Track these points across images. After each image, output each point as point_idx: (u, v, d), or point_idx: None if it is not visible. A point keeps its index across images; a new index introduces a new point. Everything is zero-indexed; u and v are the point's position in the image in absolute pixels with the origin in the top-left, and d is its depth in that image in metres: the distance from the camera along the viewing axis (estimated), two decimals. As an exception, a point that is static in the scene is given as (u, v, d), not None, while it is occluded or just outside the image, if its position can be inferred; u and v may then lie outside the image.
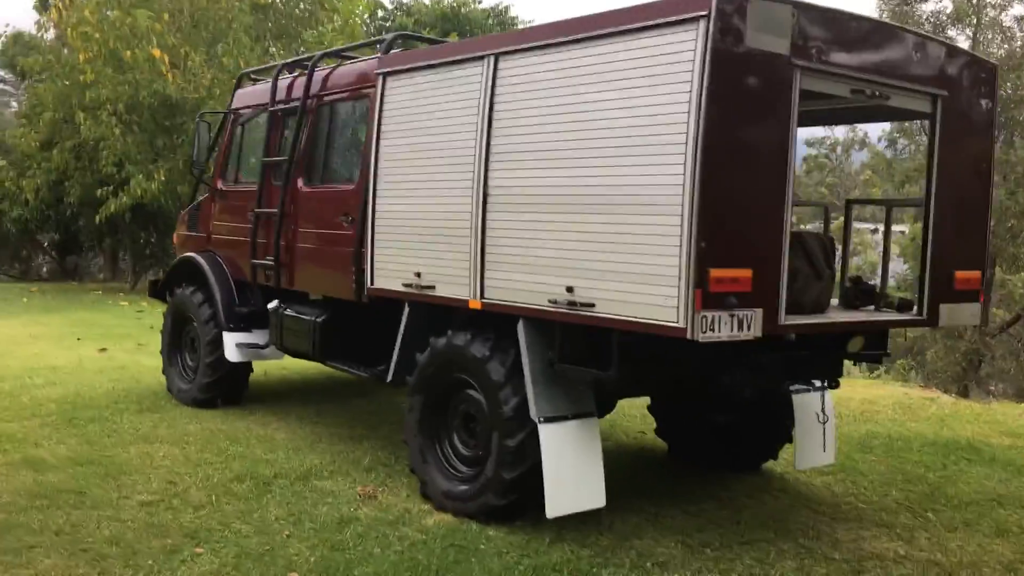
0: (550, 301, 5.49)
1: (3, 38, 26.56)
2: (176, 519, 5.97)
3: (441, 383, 6.30)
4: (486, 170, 5.92)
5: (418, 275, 6.46)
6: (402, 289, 6.61)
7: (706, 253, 4.77)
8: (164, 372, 9.62)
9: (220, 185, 9.31)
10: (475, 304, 6.03)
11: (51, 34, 23.95)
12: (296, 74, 8.42)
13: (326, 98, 7.82)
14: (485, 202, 5.94)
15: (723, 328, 4.87)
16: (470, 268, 6.04)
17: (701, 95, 4.71)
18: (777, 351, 5.89)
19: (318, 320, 7.63)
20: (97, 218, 20.16)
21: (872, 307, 6.30)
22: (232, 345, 8.63)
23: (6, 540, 5.55)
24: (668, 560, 5.52)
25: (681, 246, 4.79)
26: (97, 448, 7.59)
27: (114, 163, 19.53)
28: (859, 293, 6.33)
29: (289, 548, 5.53)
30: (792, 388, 6.84)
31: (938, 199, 5.99)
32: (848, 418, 9.58)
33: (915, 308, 6.10)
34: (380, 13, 29.28)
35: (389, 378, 6.84)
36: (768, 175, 5.04)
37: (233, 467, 7.09)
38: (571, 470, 5.68)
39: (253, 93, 9.09)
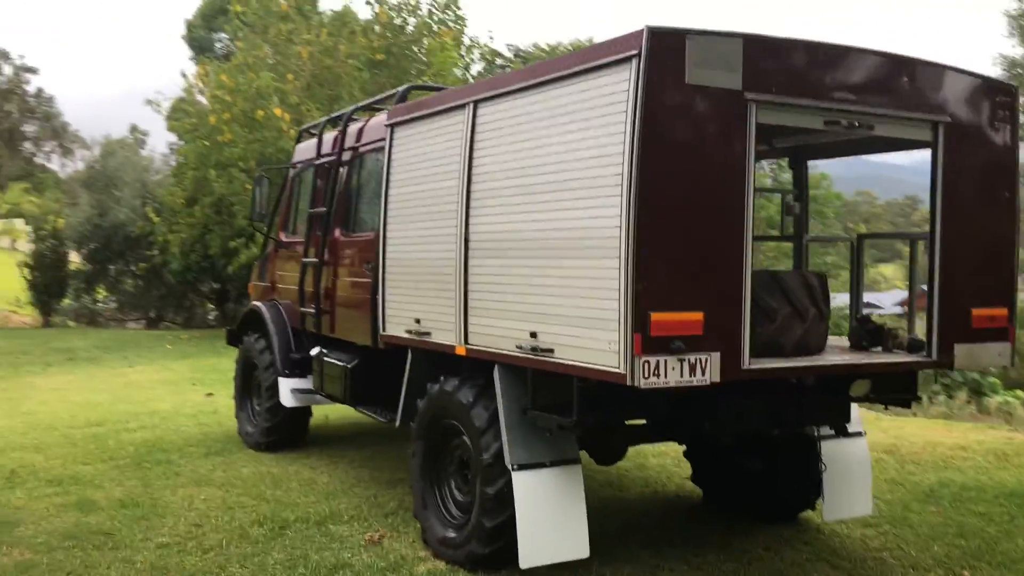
0: (517, 347, 5.45)
1: (166, 103, 28.46)
2: (181, 562, 6.19)
3: (437, 429, 6.32)
4: (467, 217, 5.95)
5: (418, 321, 6.53)
6: (405, 336, 6.70)
7: (645, 296, 4.63)
8: (236, 416, 10.02)
9: (282, 236, 9.69)
10: (461, 350, 6.04)
11: (202, 98, 25.59)
12: (339, 128, 8.70)
13: (357, 150, 8.05)
14: (467, 248, 5.96)
15: (670, 374, 4.70)
16: (455, 314, 6.06)
17: (634, 135, 4.60)
18: (776, 395, 5.62)
19: (348, 366, 7.80)
20: (230, 268, 21.26)
21: (879, 348, 5.91)
22: (287, 390, 8.91)
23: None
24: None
25: (620, 290, 4.67)
26: (149, 491, 7.97)
27: (245, 216, 20.58)
28: (865, 333, 5.96)
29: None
30: (820, 435, 6.49)
31: (946, 232, 5.59)
32: (927, 464, 8.97)
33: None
34: (498, 61, 29.81)
35: (397, 423, 6.91)
36: (721, 213, 4.85)
37: (260, 510, 7.30)
38: (549, 519, 5.56)
39: (307, 148, 9.44)
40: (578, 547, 5.62)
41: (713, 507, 7.37)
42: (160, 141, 65.96)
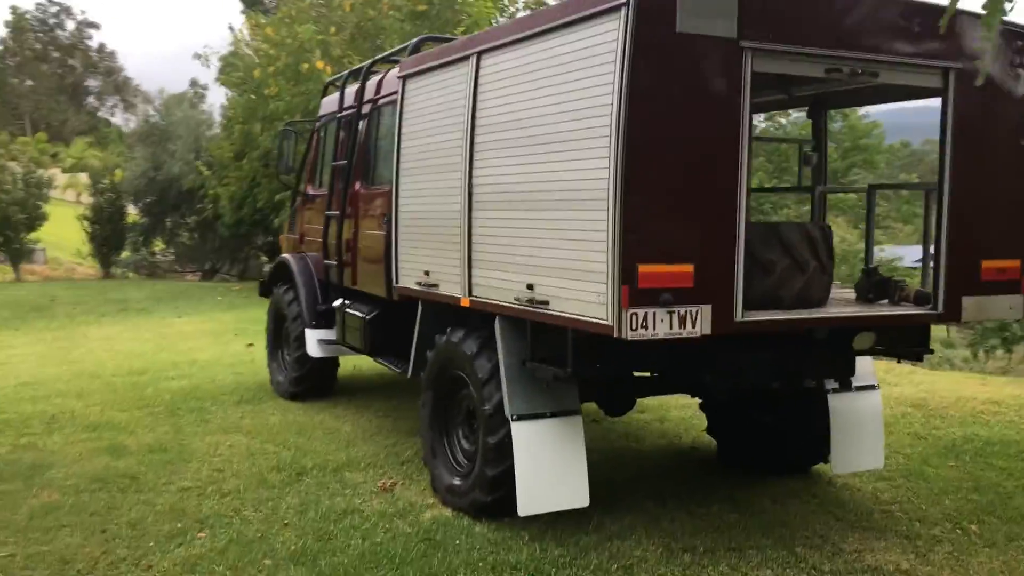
0: (515, 299, 5.50)
1: (215, 57, 28.68)
2: (199, 505, 6.40)
3: (445, 379, 6.41)
4: (471, 169, 5.98)
5: (427, 273, 6.61)
6: (415, 288, 6.78)
7: (633, 248, 4.63)
8: (268, 366, 10.23)
9: (309, 190, 9.80)
10: (465, 302, 6.10)
11: (250, 51, 25.75)
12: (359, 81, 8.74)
13: (376, 103, 8.09)
14: (471, 201, 6.00)
15: (659, 326, 4.71)
16: (461, 266, 6.12)
17: (622, 86, 4.58)
18: (777, 348, 5.60)
19: (367, 318, 7.92)
20: (276, 221, 21.54)
21: (886, 300, 5.84)
22: (313, 341, 9.08)
23: (46, 519, 6.15)
24: (636, 563, 5.38)
25: (608, 242, 4.68)
26: (178, 437, 8.22)
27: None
28: (872, 286, 5.88)
29: (279, 536, 5.81)
30: (830, 388, 6.46)
31: (956, 182, 5.48)
32: (954, 419, 8.85)
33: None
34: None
35: (409, 374, 7.02)
36: (713, 165, 4.82)
37: (281, 457, 7.49)
38: (548, 468, 5.63)
39: (330, 101, 9.50)
40: (577, 496, 5.68)
41: (726, 460, 7.37)
42: (220, 95, 66.50)
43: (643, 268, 4.65)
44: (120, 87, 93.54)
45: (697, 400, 7.37)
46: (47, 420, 8.95)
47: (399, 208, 7.01)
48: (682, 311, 4.75)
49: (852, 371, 5.94)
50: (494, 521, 5.94)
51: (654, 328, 4.70)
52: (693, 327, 4.79)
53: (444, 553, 5.49)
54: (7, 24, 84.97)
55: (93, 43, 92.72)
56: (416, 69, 6.83)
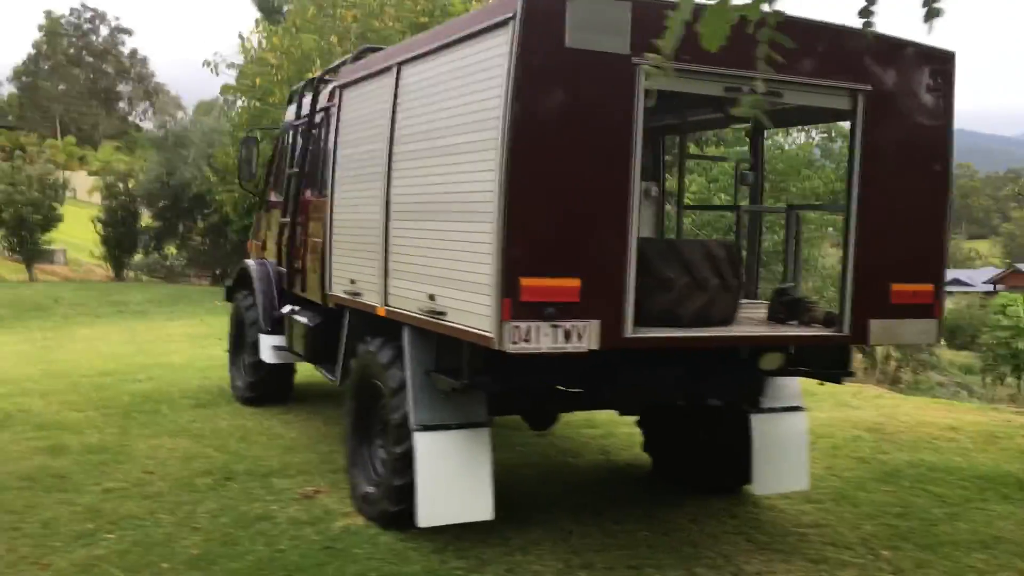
0: (419, 309, 5.51)
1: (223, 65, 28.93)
2: (118, 507, 6.44)
3: (365, 388, 6.43)
4: (389, 179, 6.01)
5: (352, 282, 6.64)
6: (343, 296, 6.81)
7: (516, 262, 4.63)
8: (229, 371, 10.30)
9: (271, 196, 9.88)
10: (381, 311, 6.12)
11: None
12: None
13: (327, 112, 8.14)
14: (388, 211, 6.03)
15: (543, 340, 4.70)
16: (379, 276, 6.14)
17: (508, 100, 4.59)
18: (680, 366, 5.59)
19: (309, 325, 7.96)
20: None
21: (795, 321, 5.80)
22: (268, 347, 9.12)
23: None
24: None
25: (492, 254, 4.69)
26: (123, 439, 8.29)
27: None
28: (781, 306, 5.85)
29: (185, 540, 5.84)
30: (751, 409, 6.42)
31: (863, 205, 5.44)
32: (905, 444, 8.75)
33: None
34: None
35: (338, 382, 7.04)
36: (603, 181, 4.81)
37: (215, 461, 7.53)
38: (450, 480, 5.62)
39: (291, 110, 9.57)
40: (481, 509, 5.66)
41: (661, 478, 7.33)
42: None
43: (525, 281, 4.65)
44: (150, 92, 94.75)
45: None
46: (1, 418, 9.05)
47: (333, 217, 7.06)
48: (568, 325, 4.75)
49: (760, 391, 5.90)
50: (403, 532, 5.93)
51: (537, 342, 4.70)
52: (579, 342, 4.78)
53: (341, 562, 5.50)
54: (41, 28, 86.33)
55: (125, 49, 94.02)
56: (350, 79, 6.88)
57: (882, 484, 7.48)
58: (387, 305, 6.06)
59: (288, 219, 8.57)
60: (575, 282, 4.76)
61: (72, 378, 11.38)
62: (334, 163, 7.04)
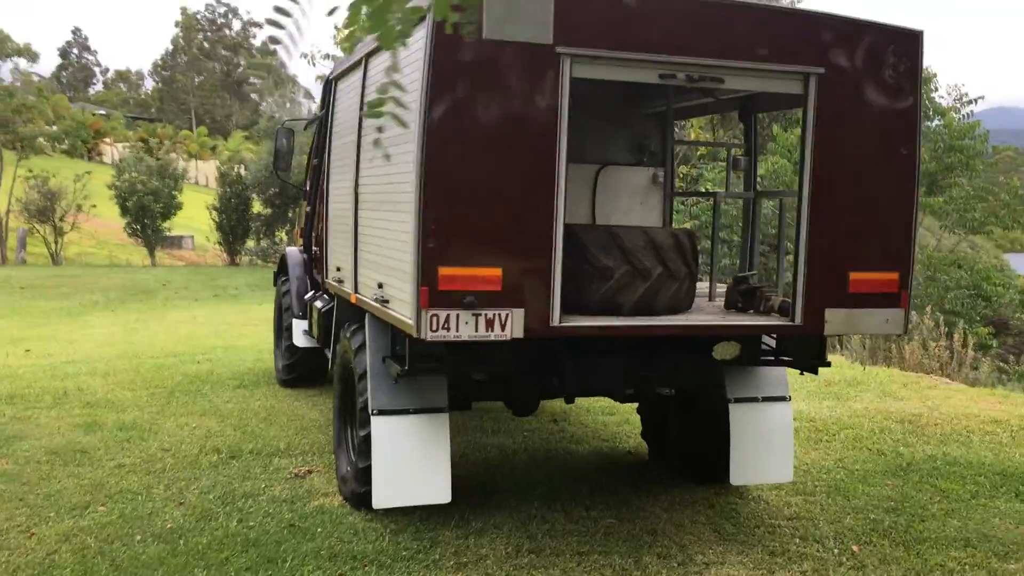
0: (373, 297, 5.66)
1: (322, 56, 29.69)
2: (120, 481, 6.84)
3: (344, 373, 6.63)
4: (358, 170, 6.18)
5: (338, 269, 6.84)
6: (333, 283, 7.03)
7: (434, 251, 4.73)
8: (273, 353, 10.71)
9: (307, 186, 10.19)
10: (354, 299, 6.30)
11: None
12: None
13: (341, 102, 8.35)
14: (357, 200, 6.20)
15: (463, 328, 4.79)
16: (351, 264, 6.32)
17: (424, 92, 4.68)
18: (629, 355, 5.58)
19: (320, 310, 8.21)
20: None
21: (753, 310, 5.69)
22: (299, 331, 9.45)
23: (-18, 485, 6.71)
24: (474, 561, 5.46)
25: (414, 243, 4.79)
26: (156, 417, 8.75)
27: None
28: (739, 295, 5.75)
29: (167, 514, 6.16)
30: (731, 398, 6.34)
31: (818, 191, 5.30)
32: (935, 437, 8.45)
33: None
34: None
35: (331, 366, 7.27)
36: (527, 170, 4.85)
37: (229, 440, 7.89)
38: (407, 464, 5.75)
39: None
40: (438, 492, 5.78)
41: (656, 466, 7.31)
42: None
43: (444, 270, 4.74)
44: (281, 83, 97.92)
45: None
46: (59, 396, 9.66)
47: (328, 205, 7.28)
48: (489, 314, 4.81)
49: (716, 380, 5.82)
50: (371, 512, 6.11)
51: (457, 330, 4.78)
52: (502, 331, 4.84)
53: (299, 540, 5.72)
54: (178, 24, 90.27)
55: (256, 42, 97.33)
56: (341, 70, 7.07)
57: (889, 478, 7.25)
58: (357, 292, 6.23)
59: (310, 208, 8.85)
60: (496, 271, 4.81)
61: (140, 359, 12.01)
62: (328, 153, 7.25)
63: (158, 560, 5.41)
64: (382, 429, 5.75)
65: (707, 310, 5.85)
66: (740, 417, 6.34)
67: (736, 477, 6.39)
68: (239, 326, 15.49)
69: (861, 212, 5.41)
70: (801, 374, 6.32)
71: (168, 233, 35.55)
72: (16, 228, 34.78)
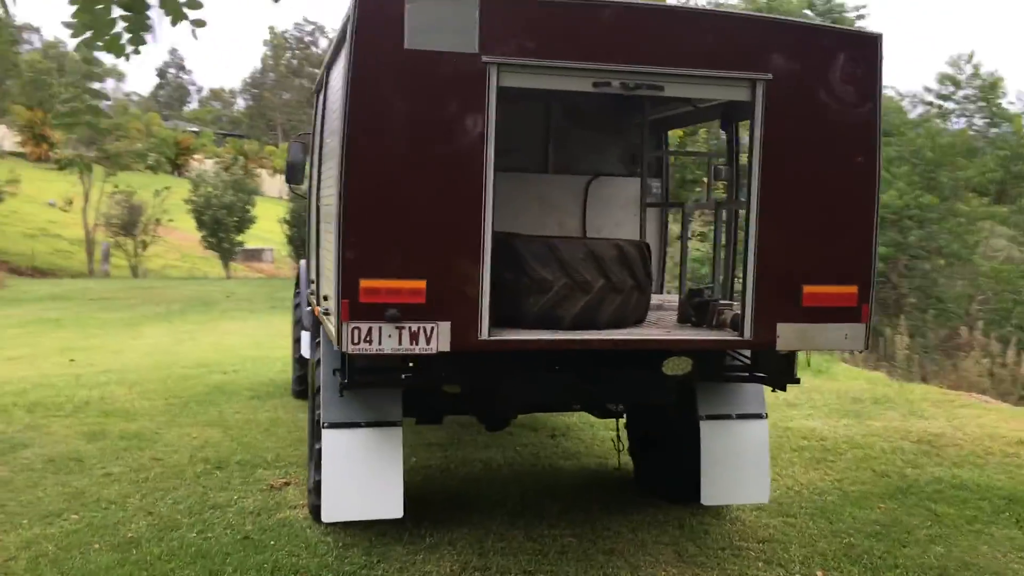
0: (322, 311, 5.65)
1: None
2: (102, 490, 6.94)
3: (312, 386, 6.62)
4: (319, 184, 6.18)
5: (312, 282, 6.85)
6: (311, 296, 7.04)
7: (354, 263, 4.68)
8: (293, 366, 10.79)
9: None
10: (317, 311, 6.29)
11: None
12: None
13: (318, 115, 8.40)
14: (318, 213, 6.20)
15: (386, 341, 4.73)
16: (315, 276, 6.33)
17: (346, 103, 4.65)
18: (573, 370, 5.45)
19: (315, 324, 8.23)
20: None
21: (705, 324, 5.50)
22: (306, 344, 9.50)
23: (-28, 492, 6.89)
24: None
25: (335, 255, 4.76)
26: (162, 427, 8.89)
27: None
28: (692, 308, 5.56)
29: (132, 524, 6.22)
30: (702, 415, 6.15)
31: (766, 202, 5.09)
32: (949, 458, 8.07)
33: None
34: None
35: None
36: (452, 182, 4.77)
37: (222, 451, 7.97)
38: (357, 477, 5.69)
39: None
40: (389, 507, 5.70)
41: (637, 484, 7.13)
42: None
43: (365, 283, 4.68)
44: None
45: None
46: (79, 404, 9.90)
47: (310, 218, 7.31)
48: (414, 327, 4.74)
49: (668, 397, 5.64)
50: (330, 526, 6.08)
51: (380, 343, 4.72)
52: (428, 344, 4.77)
53: (248, 552, 5.71)
54: (266, 43, 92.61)
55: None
56: (319, 83, 7.09)
57: (884, 500, 6.94)
58: (318, 305, 6.22)
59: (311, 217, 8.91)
60: (419, 284, 4.74)
61: (171, 369, 12.26)
62: (312, 168, 7.27)
63: (105, 569, 5.46)
64: (331, 442, 5.71)
65: (659, 324, 5.67)
66: (712, 435, 6.14)
67: (707, 497, 6.17)
68: (281, 337, 15.65)
69: (814, 224, 5.19)
70: (773, 391, 6.08)
71: (245, 246, 36.39)
72: (101, 242, 36.01)
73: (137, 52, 5.47)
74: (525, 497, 6.79)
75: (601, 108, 7.47)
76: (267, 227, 36.71)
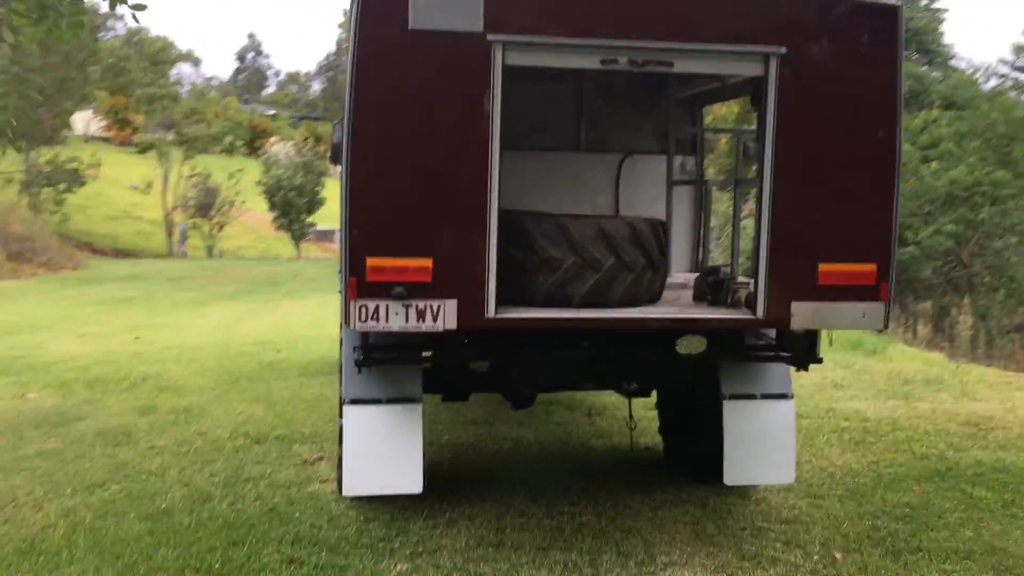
0: (338, 289, 5.74)
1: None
2: (145, 462, 7.19)
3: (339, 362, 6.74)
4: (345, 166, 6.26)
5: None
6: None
7: (361, 241, 4.77)
8: (341, 344, 10.98)
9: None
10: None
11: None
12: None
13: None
14: (341, 194, 6.28)
15: (393, 319, 4.80)
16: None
17: (352, 83, 4.72)
18: (588, 349, 5.46)
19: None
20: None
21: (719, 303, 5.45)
22: (352, 322, 9.65)
23: (22, 461, 7.16)
24: (431, 551, 5.43)
25: (343, 233, 4.85)
26: (211, 403, 9.14)
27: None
28: (708, 287, 5.51)
29: (167, 495, 6.41)
30: (726, 395, 6.11)
31: (780, 178, 5.02)
32: (996, 441, 7.89)
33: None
34: None
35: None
36: (457, 162, 4.81)
37: (262, 426, 8.17)
38: (378, 452, 5.78)
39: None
40: (410, 482, 5.79)
41: (666, 463, 7.11)
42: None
43: (372, 261, 4.76)
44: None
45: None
46: (136, 380, 10.24)
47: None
48: (421, 305, 4.81)
49: (683, 377, 5.61)
50: (357, 500, 6.21)
51: (387, 321, 4.80)
52: (435, 322, 4.83)
53: (273, 524, 5.84)
54: (340, 26, 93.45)
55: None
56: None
57: (919, 483, 6.81)
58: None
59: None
60: (426, 262, 4.79)
61: (228, 347, 12.58)
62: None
63: (135, 538, 5.64)
64: (353, 417, 5.81)
65: (675, 303, 5.63)
66: (735, 415, 6.09)
67: (730, 477, 6.13)
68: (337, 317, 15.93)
69: (831, 200, 5.10)
70: (796, 371, 6.00)
71: (316, 227, 37.04)
72: (179, 223, 37.00)
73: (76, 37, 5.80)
74: (551, 475, 6.83)
75: (634, 85, 7.41)
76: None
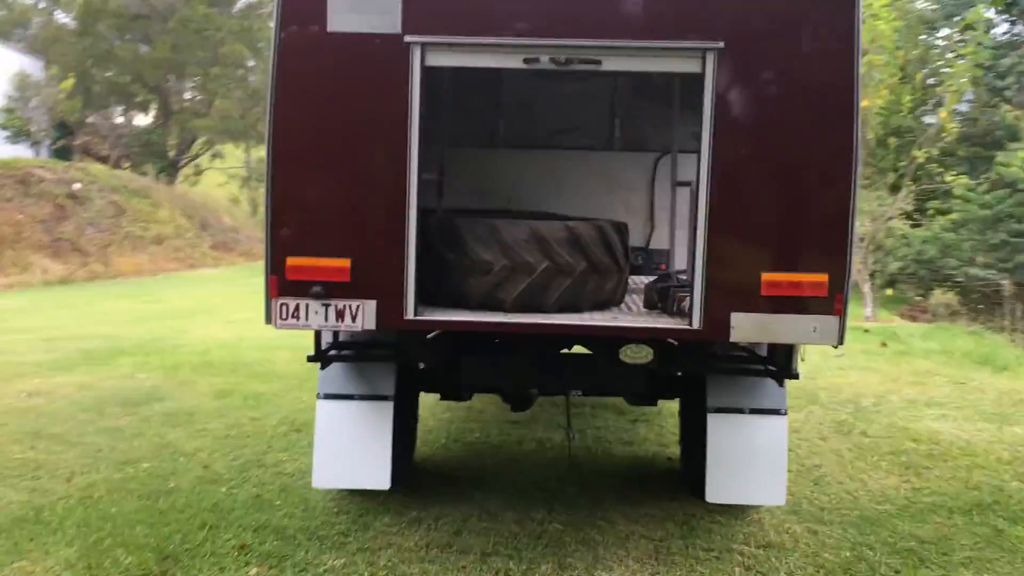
0: (312, 286, 5.88)
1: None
2: (185, 443, 7.63)
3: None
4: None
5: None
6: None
7: (281, 242, 4.87)
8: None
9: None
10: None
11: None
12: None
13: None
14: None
15: (312, 318, 4.89)
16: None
17: (271, 88, 4.84)
18: (535, 356, 5.36)
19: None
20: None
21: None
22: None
23: (87, 436, 7.78)
24: (374, 549, 5.48)
25: (266, 234, 4.97)
26: (287, 391, 9.59)
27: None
28: (656, 293, 5.23)
29: (186, 474, 6.81)
30: (712, 408, 5.84)
31: (719, 182, 4.70)
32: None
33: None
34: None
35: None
36: (376, 163, 4.83)
37: (309, 417, 8.41)
38: (348, 447, 5.91)
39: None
40: (378, 478, 5.87)
41: (681, 477, 6.83)
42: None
43: (292, 260, 4.86)
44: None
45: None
46: (239, 365, 10.88)
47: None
48: (339, 305, 4.87)
49: (631, 387, 5.35)
50: (341, 493, 6.35)
51: (306, 319, 4.89)
52: (353, 321, 4.88)
53: (249, 510, 6.04)
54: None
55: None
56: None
57: (951, 515, 6.21)
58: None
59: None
60: (344, 262, 4.84)
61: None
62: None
63: (134, 513, 6.01)
64: (324, 412, 5.97)
65: (622, 311, 5.39)
66: (720, 429, 5.79)
67: (712, 494, 5.83)
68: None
69: (777, 205, 4.74)
70: (780, 385, 5.59)
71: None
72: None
73: None
74: (543, 480, 6.70)
75: (669, 83, 7.14)
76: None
